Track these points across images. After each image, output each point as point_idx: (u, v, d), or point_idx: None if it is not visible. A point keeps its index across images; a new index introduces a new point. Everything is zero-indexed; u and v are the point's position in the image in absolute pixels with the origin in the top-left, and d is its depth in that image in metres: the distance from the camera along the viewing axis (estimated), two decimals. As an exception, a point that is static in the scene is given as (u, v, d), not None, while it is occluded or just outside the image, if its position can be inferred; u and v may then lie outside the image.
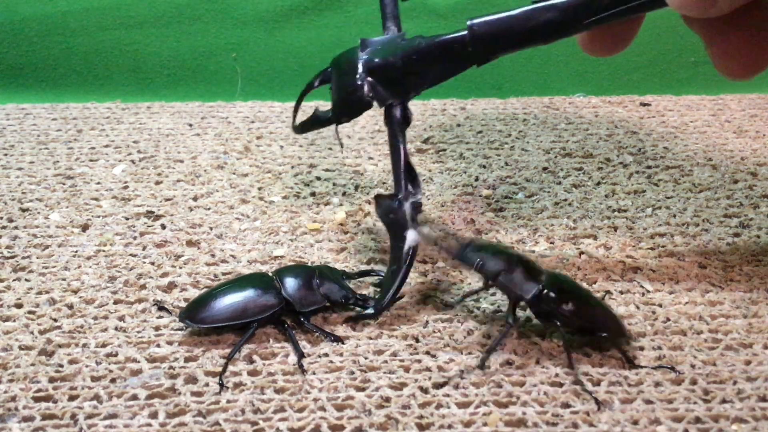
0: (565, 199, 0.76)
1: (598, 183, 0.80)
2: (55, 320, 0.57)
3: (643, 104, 1.01)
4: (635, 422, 0.48)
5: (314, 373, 0.52)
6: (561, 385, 0.51)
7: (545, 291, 0.52)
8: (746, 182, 0.79)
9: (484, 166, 0.83)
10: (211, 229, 0.70)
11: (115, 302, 0.60)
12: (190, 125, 0.93)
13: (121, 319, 0.58)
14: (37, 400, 0.50)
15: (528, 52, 1.08)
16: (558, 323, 0.52)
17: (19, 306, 0.59)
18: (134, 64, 1.07)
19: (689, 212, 0.73)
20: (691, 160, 0.85)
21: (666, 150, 0.87)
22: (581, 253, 0.67)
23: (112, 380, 0.51)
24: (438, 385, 0.51)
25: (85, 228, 0.70)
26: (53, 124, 0.92)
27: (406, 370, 0.53)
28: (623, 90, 1.06)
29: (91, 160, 0.83)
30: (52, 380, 0.51)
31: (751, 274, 0.64)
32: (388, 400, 0.50)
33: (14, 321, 0.57)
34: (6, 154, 0.84)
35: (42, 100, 1.01)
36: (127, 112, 0.96)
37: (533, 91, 1.06)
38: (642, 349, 0.55)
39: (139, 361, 0.53)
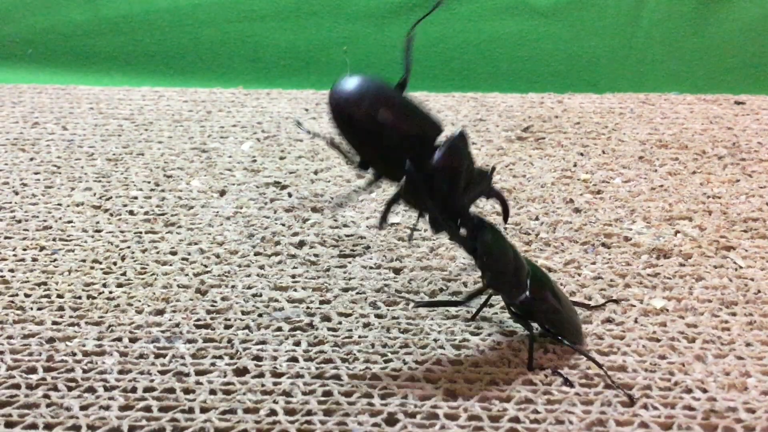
0: (661, 185, 0.81)
1: (693, 172, 0.84)
2: (206, 266, 0.66)
3: (738, 103, 1.04)
4: (727, 373, 0.53)
5: (432, 319, 0.59)
6: (658, 340, 0.56)
7: (530, 296, 0.53)
8: (840, 176, 0.82)
9: (582, 154, 0.88)
10: (332, 198, 0.78)
11: (255, 254, 0.68)
12: (307, 110, 1.01)
13: (262, 267, 0.66)
14: (197, 327, 0.58)
15: (624, 51, 1.13)
16: (531, 323, 0.54)
17: (174, 254, 0.68)
18: (254, 54, 1.16)
19: (782, 201, 0.77)
20: (785, 155, 0.88)
21: (760, 145, 0.90)
22: (677, 232, 0.71)
23: (260, 315, 0.59)
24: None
25: (222, 193, 0.79)
26: (185, 105, 1.02)
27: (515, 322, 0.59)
28: (718, 90, 1.09)
29: (221, 137, 0.92)
30: (208, 312, 0.60)
31: (843, 256, 0.67)
32: (499, 344, 0.56)
33: (171, 265, 0.66)
34: (147, 129, 0.94)
35: (172, 84, 1.12)
36: (249, 97, 1.05)
37: (629, 88, 1.10)
38: (734, 315, 0.59)
39: (280, 301, 0.61)
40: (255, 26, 1.15)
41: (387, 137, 0.49)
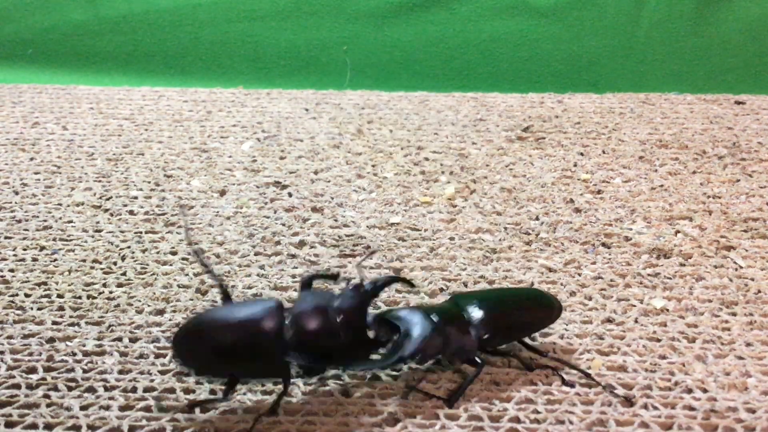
0: (662, 185, 0.81)
1: (694, 172, 0.84)
2: (206, 266, 0.66)
3: (738, 102, 1.04)
4: (727, 373, 0.53)
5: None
6: (659, 340, 0.56)
7: (485, 335, 0.51)
8: (840, 176, 0.82)
9: (582, 154, 0.89)
10: (332, 198, 0.78)
11: (255, 254, 0.68)
12: (307, 110, 1.01)
13: (262, 267, 0.66)
14: (198, 326, 0.58)
15: (624, 51, 1.13)
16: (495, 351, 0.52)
17: (174, 253, 0.68)
18: (254, 54, 1.16)
19: (782, 200, 0.77)
20: (786, 155, 0.88)
21: (760, 144, 0.90)
22: (677, 232, 0.71)
23: (260, 315, 0.59)
24: (544, 335, 0.56)
25: (222, 193, 0.79)
26: (185, 105, 1.02)
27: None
28: (718, 90, 1.09)
29: (221, 137, 0.92)
30: (209, 312, 0.60)
31: (843, 256, 0.67)
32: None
33: (171, 265, 0.66)
34: (147, 129, 0.94)
35: (172, 84, 1.12)
36: (249, 97, 1.05)
37: (629, 87, 1.10)
38: (735, 315, 0.59)
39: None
40: (255, 26, 1.15)
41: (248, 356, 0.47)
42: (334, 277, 0.55)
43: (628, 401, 0.50)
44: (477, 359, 0.50)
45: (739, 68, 1.14)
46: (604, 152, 0.89)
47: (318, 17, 1.16)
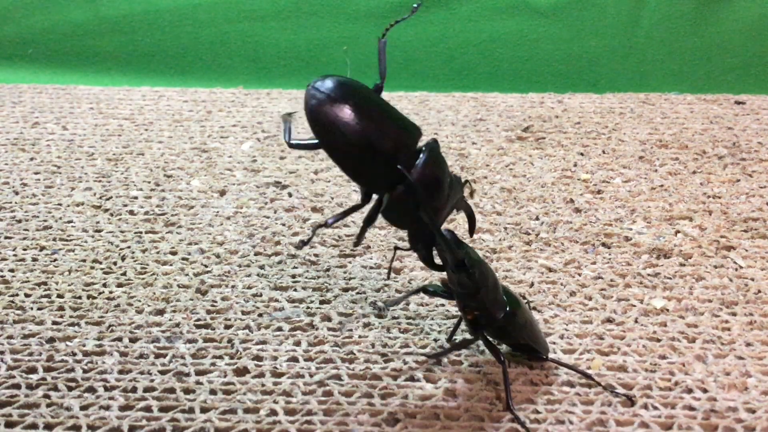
0: (662, 185, 0.81)
1: (694, 172, 0.84)
2: (206, 266, 0.66)
3: (738, 102, 1.04)
4: (727, 373, 0.53)
5: (432, 319, 0.59)
6: (659, 340, 0.56)
7: (510, 311, 0.51)
8: (840, 176, 0.82)
9: (582, 154, 0.88)
10: (332, 198, 0.78)
11: (255, 254, 0.68)
12: (307, 110, 1.01)
13: (262, 267, 0.66)
14: (198, 327, 0.58)
15: (624, 51, 1.13)
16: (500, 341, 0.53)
17: (174, 253, 0.68)
18: (254, 54, 1.16)
19: (783, 200, 0.77)
20: (786, 155, 0.88)
21: (760, 144, 0.90)
22: (677, 232, 0.71)
23: (260, 315, 0.59)
24: (546, 334, 0.56)
25: (222, 193, 0.79)
26: (185, 105, 1.02)
27: (516, 320, 0.59)
28: (718, 89, 1.09)
29: (221, 137, 0.92)
30: (209, 312, 0.60)
31: (843, 256, 0.67)
32: (499, 343, 0.56)
33: (171, 265, 0.66)
34: (147, 129, 0.94)
35: (172, 84, 1.12)
36: (250, 97, 1.05)
37: (629, 88, 1.10)
38: (735, 315, 0.59)
39: (280, 301, 0.61)
40: (255, 26, 1.15)
41: (367, 146, 0.46)
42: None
43: (630, 400, 0.49)
44: (500, 356, 0.50)
45: (739, 68, 1.14)
46: (604, 152, 0.89)
47: (318, 17, 1.16)
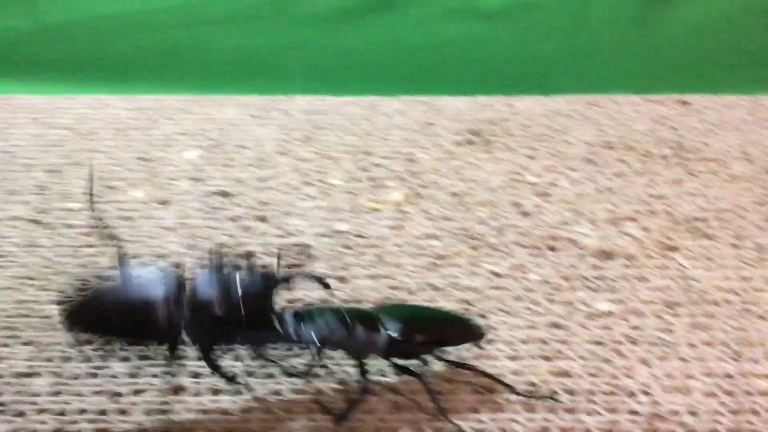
0: (607, 187, 0.81)
1: (639, 173, 0.84)
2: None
3: (683, 103, 1.05)
4: (670, 376, 0.53)
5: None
6: (603, 344, 0.56)
7: (395, 336, 0.50)
8: (781, 175, 0.84)
9: (530, 156, 0.89)
10: (278, 207, 0.77)
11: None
12: (254, 116, 1.00)
13: (204, 280, 0.64)
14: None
15: (571, 52, 1.14)
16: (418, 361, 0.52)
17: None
18: (201, 60, 1.14)
19: (725, 200, 0.78)
20: (728, 154, 0.89)
21: (704, 144, 0.92)
22: (621, 233, 0.72)
23: (200, 329, 0.58)
24: (490, 341, 0.56)
25: (165, 203, 0.77)
26: (129, 114, 1.00)
27: (461, 328, 0.58)
28: (665, 89, 1.10)
29: (166, 146, 0.90)
30: (147, 328, 0.58)
31: (783, 255, 0.68)
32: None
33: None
34: (90, 140, 0.92)
35: (115, 91, 1.09)
36: (196, 103, 1.03)
37: (577, 89, 1.11)
38: (678, 316, 0.60)
39: (222, 315, 0.60)
40: (202, 31, 1.13)
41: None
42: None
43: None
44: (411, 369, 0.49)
45: (684, 68, 1.15)
46: (551, 155, 0.89)
47: (266, 22, 1.14)
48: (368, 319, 0.50)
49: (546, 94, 1.08)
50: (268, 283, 0.48)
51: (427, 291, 0.63)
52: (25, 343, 0.56)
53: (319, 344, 0.47)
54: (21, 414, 0.50)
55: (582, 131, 0.95)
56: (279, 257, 0.57)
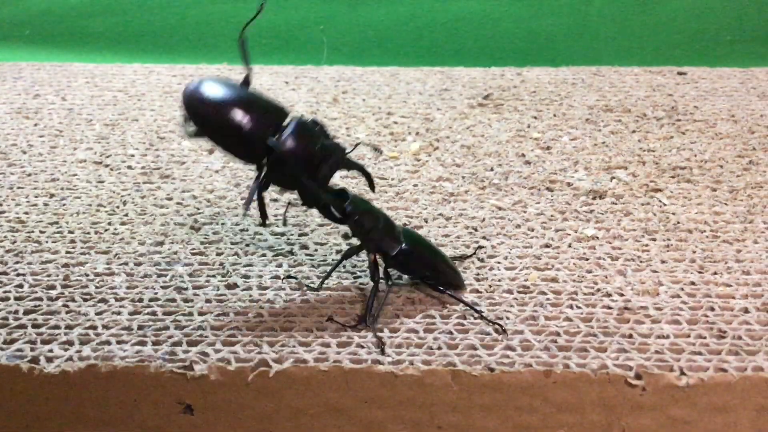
0: (603, 142, 0.91)
1: (633, 131, 0.94)
2: (198, 209, 0.75)
3: (680, 73, 1.14)
4: (642, 282, 0.63)
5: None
6: (587, 259, 0.66)
7: (405, 248, 0.59)
8: (762, 133, 0.92)
9: (536, 117, 0.98)
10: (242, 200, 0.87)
11: (242, 199, 0.77)
12: (287, 82, 1.10)
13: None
14: (193, 254, 0.67)
15: (579, 29, 1.23)
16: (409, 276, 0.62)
17: (169, 199, 0.77)
18: (237, 33, 1.24)
19: (709, 153, 0.87)
20: (717, 116, 0.98)
21: (696, 108, 1.01)
22: (612, 178, 0.81)
23: (247, 245, 0.68)
24: (491, 256, 0.66)
25: (211, 152, 0.88)
26: (174, 80, 1.11)
27: (467, 246, 0.68)
28: (665, 63, 1.19)
29: (208, 105, 1.01)
30: (202, 243, 0.69)
31: (753, 196, 0.77)
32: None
33: (167, 208, 0.75)
34: (139, 100, 1.03)
35: (160, 61, 1.20)
36: (233, 72, 1.14)
37: (583, 62, 1.20)
38: (654, 240, 0.69)
39: (264, 235, 0.70)
40: (238, 6, 1.24)
41: (236, 132, 0.55)
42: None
43: (503, 330, 0.57)
44: (387, 280, 0.59)
45: (684, 44, 1.25)
46: (555, 116, 0.99)
47: (297, -1, 1.25)
48: (392, 228, 0.60)
49: (554, 66, 1.18)
50: (340, 152, 0.57)
51: (438, 220, 0.74)
52: (101, 253, 0.67)
53: (352, 216, 0.57)
54: (104, 301, 0.61)
55: (585, 96, 1.05)
56: (355, 146, 0.64)
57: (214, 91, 0.56)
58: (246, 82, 0.58)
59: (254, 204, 0.57)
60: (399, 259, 0.60)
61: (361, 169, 0.60)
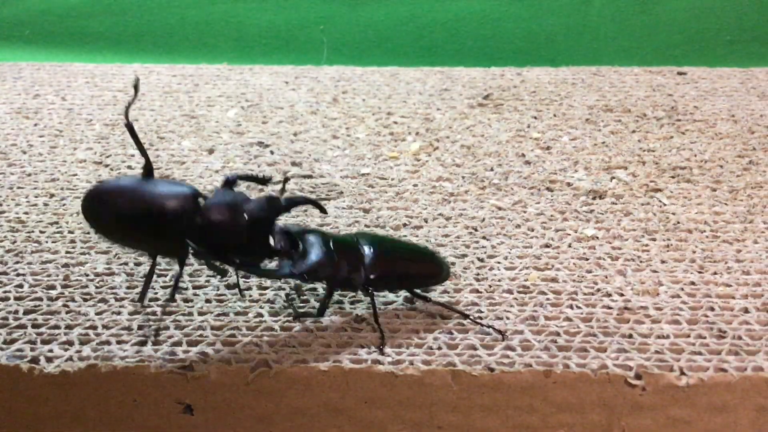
0: (603, 142, 0.91)
1: (633, 131, 0.94)
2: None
3: (680, 73, 1.14)
4: (642, 282, 0.63)
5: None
6: (587, 259, 0.66)
7: (372, 277, 0.55)
8: (762, 133, 0.92)
9: (536, 117, 0.98)
10: (309, 155, 0.87)
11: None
12: (287, 82, 1.10)
13: (247, 209, 0.75)
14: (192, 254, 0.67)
15: (579, 29, 1.23)
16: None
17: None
18: (237, 33, 1.25)
19: (708, 153, 0.87)
20: (717, 116, 0.98)
21: (695, 108, 1.01)
22: (612, 178, 0.81)
23: (246, 244, 0.68)
24: (491, 256, 0.66)
25: (211, 151, 0.88)
26: (173, 80, 1.11)
27: (467, 246, 0.68)
28: (664, 64, 1.19)
29: (208, 106, 1.01)
30: (202, 243, 0.69)
31: (753, 196, 0.77)
32: (452, 264, 0.66)
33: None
34: (139, 100, 1.03)
35: (160, 61, 1.20)
36: (233, 72, 1.14)
37: (583, 62, 1.20)
38: (654, 240, 0.69)
39: (264, 234, 0.70)
40: (237, 7, 1.24)
41: (146, 228, 0.51)
42: (265, 182, 0.58)
43: (501, 335, 0.57)
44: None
45: (683, 44, 1.25)
46: (555, 116, 0.99)
47: (296, -1, 1.25)
48: (352, 253, 0.56)
49: (554, 66, 1.18)
50: (275, 207, 0.52)
51: (438, 219, 0.74)
52: (101, 253, 0.67)
53: (305, 278, 0.53)
54: (104, 301, 0.61)
55: (584, 96, 1.05)
56: (286, 180, 0.61)
57: (112, 197, 0.53)
58: (148, 170, 0.54)
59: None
60: (372, 286, 0.56)
61: (304, 201, 0.56)
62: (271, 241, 0.52)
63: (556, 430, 0.55)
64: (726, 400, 0.54)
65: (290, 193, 0.63)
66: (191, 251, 0.51)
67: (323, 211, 0.57)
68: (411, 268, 0.60)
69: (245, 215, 0.50)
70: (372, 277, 0.56)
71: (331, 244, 0.55)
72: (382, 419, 0.55)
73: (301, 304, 0.61)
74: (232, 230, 0.50)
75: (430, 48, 1.26)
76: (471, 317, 0.58)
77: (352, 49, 1.26)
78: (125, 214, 0.51)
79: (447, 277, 0.61)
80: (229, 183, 0.53)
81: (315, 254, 0.54)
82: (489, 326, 0.57)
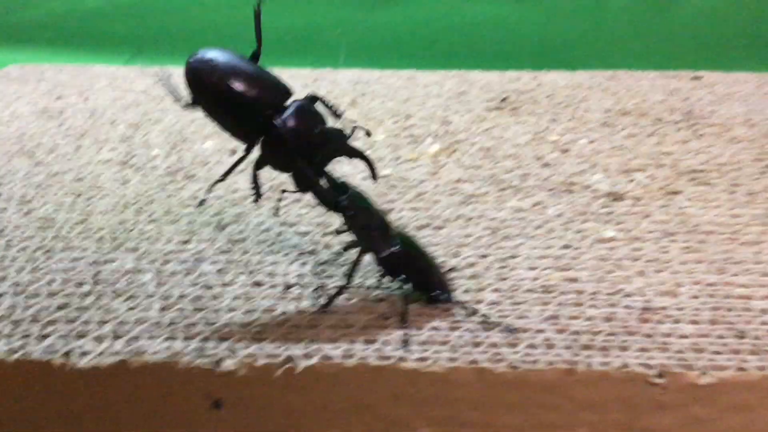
0: (621, 145, 0.91)
1: (650, 135, 0.95)
2: (223, 208, 0.76)
3: (695, 77, 1.15)
4: (663, 283, 0.64)
5: (418, 247, 0.69)
6: (608, 260, 0.67)
7: (396, 251, 0.59)
8: (779, 137, 0.93)
9: (553, 120, 0.99)
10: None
11: (265, 199, 0.78)
12: (305, 86, 1.11)
13: (270, 209, 0.76)
14: (220, 253, 0.68)
15: (595, 33, 1.24)
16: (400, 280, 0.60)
17: (194, 199, 0.78)
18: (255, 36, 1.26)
19: (726, 156, 0.88)
20: (733, 120, 0.99)
21: (712, 112, 1.01)
22: (631, 180, 0.82)
23: (272, 243, 0.70)
24: (514, 256, 0.67)
25: (233, 152, 0.89)
26: (194, 82, 1.12)
27: (488, 246, 0.69)
28: (679, 67, 1.20)
29: (229, 107, 1.02)
30: (228, 242, 0.70)
31: (772, 199, 0.78)
32: (473, 264, 0.67)
33: (192, 208, 0.76)
34: (162, 101, 1.04)
35: (181, 64, 1.22)
36: (252, 74, 1.15)
37: (599, 66, 1.21)
38: (674, 242, 0.70)
39: (288, 234, 0.71)
40: (257, 11, 1.25)
41: (238, 102, 0.54)
42: (338, 115, 0.62)
43: (510, 331, 0.58)
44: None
45: (698, 49, 1.25)
46: (572, 119, 1.00)
47: (314, 3, 1.26)
48: (387, 231, 0.59)
49: (570, 69, 1.19)
50: (342, 135, 0.57)
51: (459, 221, 0.75)
52: (130, 251, 0.68)
53: (346, 214, 0.56)
54: (133, 297, 0.62)
55: (601, 100, 1.06)
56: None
57: (220, 60, 0.56)
58: (254, 56, 0.59)
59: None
60: (389, 261, 0.60)
61: (362, 156, 0.59)
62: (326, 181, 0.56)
63: (578, 428, 0.56)
64: (746, 399, 0.54)
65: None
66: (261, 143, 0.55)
67: (375, 177, 0.60)
68: (427, 273, 0.61)
69: (322, 126, 0.56)
70: (396, 250, 0.59)
71: (376, 211, 0.59)
72: (406, 416, 0.56)
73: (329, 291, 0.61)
74: (307, 132, 0.54)
75: (447, 51, 1.27)
76: (483, 316, 0.59)
77: (369, 52, 1.27)
78: (230, 80, 0.55)
79: (447, 298, 0.62)
80: (312, 99, 0.58)
81: (361, 205, 0.58)
82: (497, 323, 0.58)
